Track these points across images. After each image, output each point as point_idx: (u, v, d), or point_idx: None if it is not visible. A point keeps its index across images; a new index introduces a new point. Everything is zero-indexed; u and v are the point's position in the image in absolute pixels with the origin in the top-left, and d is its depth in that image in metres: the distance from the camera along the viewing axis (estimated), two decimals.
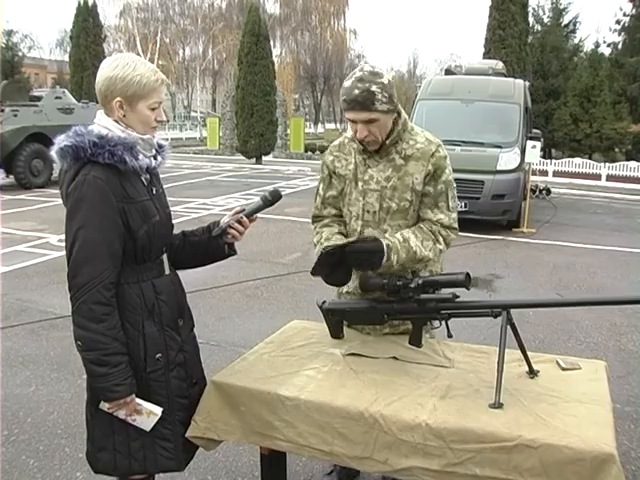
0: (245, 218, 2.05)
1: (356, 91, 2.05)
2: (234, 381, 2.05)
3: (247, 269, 6.59)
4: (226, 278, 6.20)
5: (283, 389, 1.97)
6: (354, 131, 2.17)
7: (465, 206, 8.94)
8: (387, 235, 2.21)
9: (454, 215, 2.28)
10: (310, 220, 2.50)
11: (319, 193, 2.43)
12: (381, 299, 2.21)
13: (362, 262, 2.13)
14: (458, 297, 2.04)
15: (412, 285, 2.07)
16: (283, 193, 2.27)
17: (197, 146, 28.45)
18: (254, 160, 21.14)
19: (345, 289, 2.40)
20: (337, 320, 2.34)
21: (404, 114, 2.23)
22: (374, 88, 2.05)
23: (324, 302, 2.33)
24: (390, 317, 2.19)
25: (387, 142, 2.20)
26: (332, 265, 2.14)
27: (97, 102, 1.84)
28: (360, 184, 2.27)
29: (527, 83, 11.10)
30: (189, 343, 2.05)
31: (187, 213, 9.95)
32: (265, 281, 6.31)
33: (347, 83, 2.09)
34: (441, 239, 2.24)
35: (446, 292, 2.06)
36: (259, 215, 2.10)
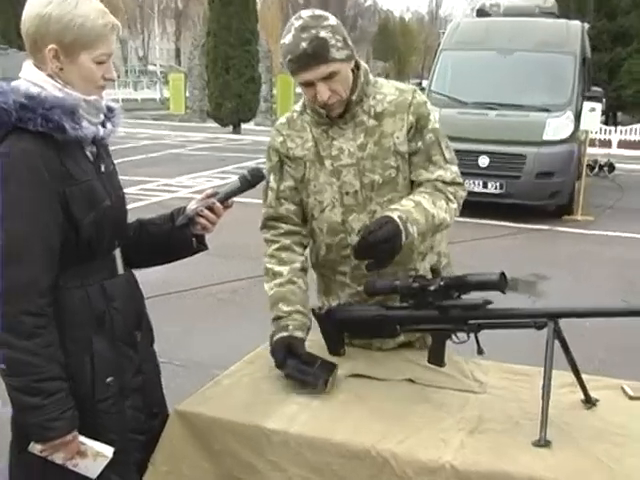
0: (218, 203, 2.05)
1: (303, 44, 2.05)
2: (204, 411, 2.06)
3: (220, 267, 6.62)
4: (194, 279, 6.21)
5: (268, 421, 1.98)
6: (312, 96, 2.18)
7: (501, 187, 8.93)
8: (391, 206, 2.18)
9: (454, 168, 2.31)
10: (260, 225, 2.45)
11: (271, 187, 2.38)
12: (390, 305, 2.23)
13: (380, 259, 2.11)
14: (491, 303, 2.06)
15: (432, 288, 2.06)
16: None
17: (157, 110, 28.45)
18: (231, 128, 21.15)
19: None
20: (337, 331, 2.36)
21: (363, 64, 2.27)
22: (324, 33, 2.07)
23: (320, 308, 2.35)
24: (404, 328, 2.21)
25: (353, 98, 2.21)
26: None
27: (20, 49, 1.81)
28: (328, 162, 2.28)
29: (586, 25, 11.12)
30: (148, 362, 2.07)
31: (145, 196, 9.96)
32: (244, 283, 6.34)
33: (287, 39, 2.10)
34: (451, 196, 2.28)
35: (476, 297, 2.08)
36: (236, 199, 2.11)
